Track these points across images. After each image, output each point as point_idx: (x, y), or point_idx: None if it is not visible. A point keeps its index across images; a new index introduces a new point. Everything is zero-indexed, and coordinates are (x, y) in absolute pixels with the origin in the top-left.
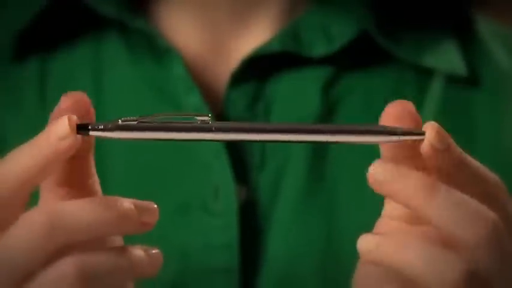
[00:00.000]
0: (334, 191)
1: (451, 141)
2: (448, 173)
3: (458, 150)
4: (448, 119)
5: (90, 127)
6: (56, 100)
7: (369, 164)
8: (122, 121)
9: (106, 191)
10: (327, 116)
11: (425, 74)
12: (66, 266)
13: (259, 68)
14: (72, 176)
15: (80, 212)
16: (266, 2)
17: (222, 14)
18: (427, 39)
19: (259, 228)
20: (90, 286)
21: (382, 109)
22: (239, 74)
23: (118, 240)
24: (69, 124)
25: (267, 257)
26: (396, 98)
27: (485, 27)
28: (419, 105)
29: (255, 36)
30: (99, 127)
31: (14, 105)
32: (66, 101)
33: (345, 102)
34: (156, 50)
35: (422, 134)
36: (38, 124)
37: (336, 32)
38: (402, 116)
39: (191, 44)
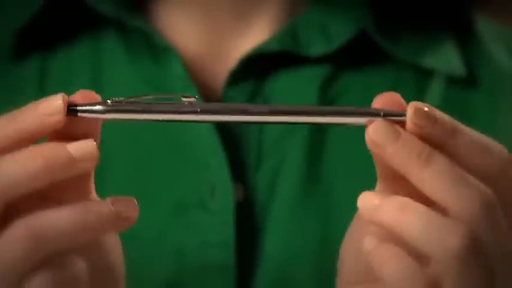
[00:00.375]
0: (330, 191)
1: (439, 113)
2: (442, 143)
3: (451, 121)
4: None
5: (78, 108)
6: None
7: (365, 164)
8: (111, 102)
9: (104, 189)
10: None
11: (424, 74)
12: (16, 228)
13: (257, 67)
14: (74, 193)
15: (60, 221)
16: (265, 1)
17: (221, 13)
18: (426, 39)
19: (255, 226)
20: (44, 246)
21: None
22: (237, 72)
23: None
24: (62, 101)
25: (263, 256)
26: None
27: (485, 27)
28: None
29: (254, 36)
30: (87, 108)
31: (13, 103)
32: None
33: (342, 102)
34: (154, 49)
35: (404, 114)
36: None
37: (335, 31)
38: (390, 106)
39: (190, 43)
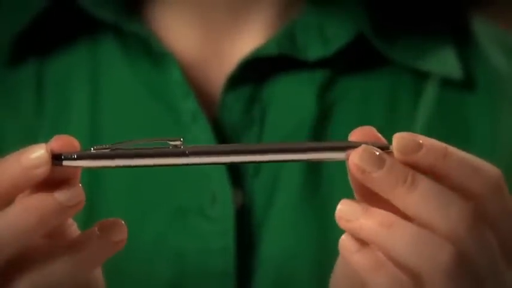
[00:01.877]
0: (328, 198)
1: (425, 140)
2: (431, 167)
3: (438, 145)
4: (443, 122)
5: (63, 157)
6: (53, 103)
7: None
8: (95, 149)
9: (104, 197)
10: (323, 119)
11: (421, 76)
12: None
13: (255, 71)
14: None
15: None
16: (262, 5)
17: (218, 16)
18: (423, 42)
19: (254, 233)
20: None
21: (378, 112)
22: (235, 77)
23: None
24: (46, 153)
25: (261, 262)
26: (392, 101)
27: (482, 29)
28: (414, 108)
29: (251, 39)
30: (72, 156)
31: (11, 108)
32: (57, 141)
33: (341, 105)
34: (152, 54)
35: (387, 147)
36: (35, 127)
37: (332, 35)
38: (367, 139)
39: (187, 47)
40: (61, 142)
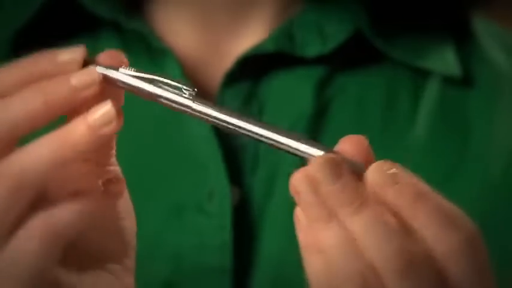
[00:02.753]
0: None
1: (404, 176)
2: (400, 205)
3: (415, 185)
4: (443, 120)
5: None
6: None
7: None
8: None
9: None
10: (320, 115)
11: (420, 74)
12: (34, 226)
13: (253, 68)
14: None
15: (38, 158)
16: (261, 3)
17: (217, 13)
18: (422, 39)
19: (252, 229)
20: (61, 240)
21: (375, 109)
22: (233, 74)
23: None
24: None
25: (260, 258)
26: (390, 98)
27: (483, 27)
28: (413, 106)
29: (249, 36)
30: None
31: None
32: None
33: (338, 102)
34: (152, 51)
35: (363, 170)
36: None
37: (330, 32)
38: (356, 149)
39: (186, 44)
40: (109, 56)
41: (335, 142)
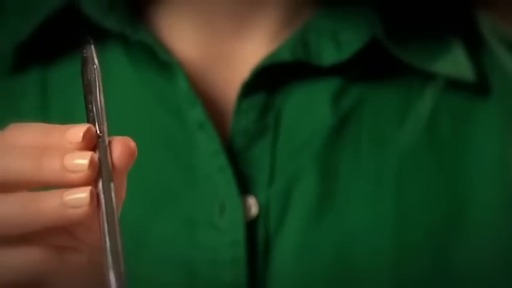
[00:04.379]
0: (344, 209)
1: None
2: None
3: None
4: (456, 125)
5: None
6: (58, 111)
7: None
8: None
9: None
10: (340, 127)
11: (435, 80)
12: None
13: (269, 78)
14: None
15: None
16: (266, 11)
17: (223, 23)
18: (436, 45)
19: (267, 244)
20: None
21: (392, 119)
22: (250, 84)
23: None
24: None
25: (274, 274)
26: (407, 108)
27: (490, 30)
28: (427, 113)
29: (257, 45)
30: None
31: (14, 116)
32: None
33: (356, 112)
34: (158, 62)
35: None
36: None
37: (346, 39)
38: None
39: (193, 55)
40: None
41: (354, 158)
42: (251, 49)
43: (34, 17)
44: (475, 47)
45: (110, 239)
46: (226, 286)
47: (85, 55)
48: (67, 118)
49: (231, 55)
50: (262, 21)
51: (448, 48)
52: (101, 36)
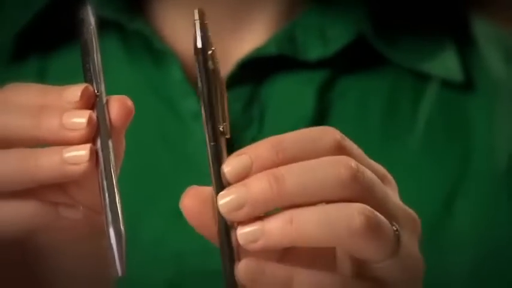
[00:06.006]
0: None
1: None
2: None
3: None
4: (443, 124)
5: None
6: None
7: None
8: None
9: None
10: (321, 119)
11: (421, 78)
12: None
13: (254, 71)
14: None
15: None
16: (263, 4)
17: (220, 16)
18: (424, 43)
19: None
20: None
21: (376, 112)
22: (234, 76)
23: None
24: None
25: None
26: (391, 102)
27: (483, 30)
28: (414, 110)
29: (252, 39)
30: None
31: None
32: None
33: (339, 105)
34: (154, 52)
35: None
36: None
37: (332, 35)
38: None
39: (188, 46)
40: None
41: None
42: (246, 44)
43: (32, 5)
44: (465, 47)
45: (109, 196)
46: (215, 274)
47: (81, 16)
48: None
49: (226, 50)
50: (258, 18)
51: (438, 48)
52: (98, 26)
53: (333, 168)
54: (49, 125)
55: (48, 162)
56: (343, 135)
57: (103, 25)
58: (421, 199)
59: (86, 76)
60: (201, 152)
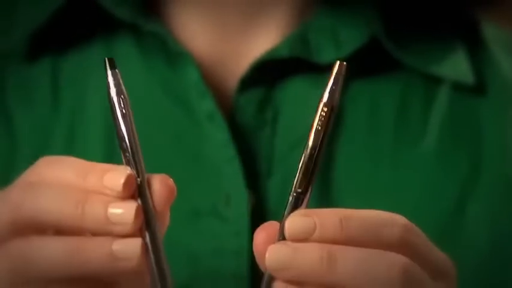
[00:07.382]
0: (340, 200)
1: (316, 218)
2: (334, 236)
3: (333, 215)
4: (454, 127)
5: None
6: (69, 100)
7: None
8: None
9: None
10: (337, 121)
11: (433, 81)
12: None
13: (267, 73)
14: None
15: (48, 249)
16: (276, 6)
17: (234, 17)
18: (435, 46)
19: None
20: (29, 268)
21: (387, 117)
22: (248, 79)
23: None
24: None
25: None
26: (402, 105)
27: (492, 33)
28: (425, 113)
29: (266, 40)
30: None
31: (26, 103)
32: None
33: (351, 109)
34: (169, 53)
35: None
36: (50, 123)
37: (346, 38)
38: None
39: (203, 47)
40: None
41: (347, 148)
42: (260, 45)
43: (48, 5)
44: (476, 50)
45: (161, 282)
46: (229, 275)
47: (109, 81)
48: (78, 108)
49: (240, 50)
50: (271, 19)
51: (449, 51)
52: (112, 27)
53: (386, 268)
54: (94, 217)
55: (97, 256)
56: (411, 226)
57: (117, 28)
58: (432, 203)
59: (124, 156)
60: (217, 152)
